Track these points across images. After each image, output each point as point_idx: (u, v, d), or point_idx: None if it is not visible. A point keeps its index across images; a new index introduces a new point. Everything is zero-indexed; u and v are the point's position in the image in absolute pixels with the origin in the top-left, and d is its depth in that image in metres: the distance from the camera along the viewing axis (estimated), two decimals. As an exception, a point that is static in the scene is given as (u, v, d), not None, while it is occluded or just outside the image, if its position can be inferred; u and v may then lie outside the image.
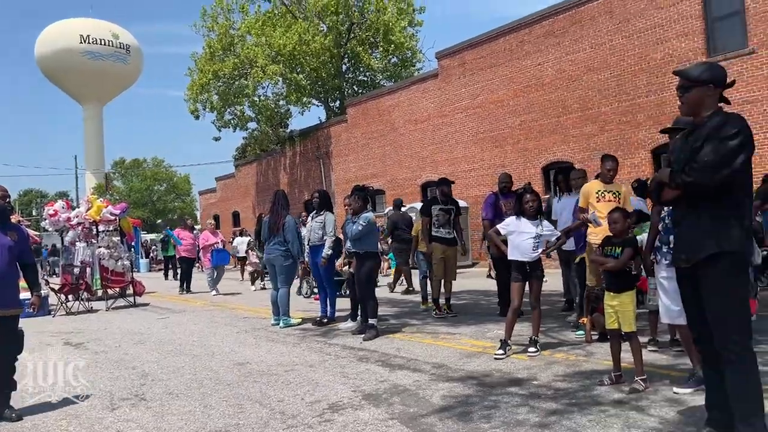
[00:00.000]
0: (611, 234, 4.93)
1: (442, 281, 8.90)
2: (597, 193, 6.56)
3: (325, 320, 8.71)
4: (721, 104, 3.35)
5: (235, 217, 34.69)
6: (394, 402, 4.57)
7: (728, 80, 3.38)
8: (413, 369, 5.62)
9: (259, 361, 6.37)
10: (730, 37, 14.00)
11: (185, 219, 17.81)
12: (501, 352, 5.85)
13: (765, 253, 9.09)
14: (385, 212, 21.36)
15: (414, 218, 13.12)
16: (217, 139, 38.32)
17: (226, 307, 11.73)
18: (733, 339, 3.16)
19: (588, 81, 16.69)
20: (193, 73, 31.25)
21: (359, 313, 8.01)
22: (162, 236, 28.11)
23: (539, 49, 17.93)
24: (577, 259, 7.22)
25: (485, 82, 19.62)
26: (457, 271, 9.52)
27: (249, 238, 19.22)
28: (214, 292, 14.40)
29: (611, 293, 4.75)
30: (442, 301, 8.91)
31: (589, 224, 6.54)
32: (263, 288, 14.98)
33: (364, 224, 7.40)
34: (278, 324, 8.68)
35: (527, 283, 6.04)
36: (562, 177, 8.54)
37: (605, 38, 16.24)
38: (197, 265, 19.12)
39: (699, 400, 4.04)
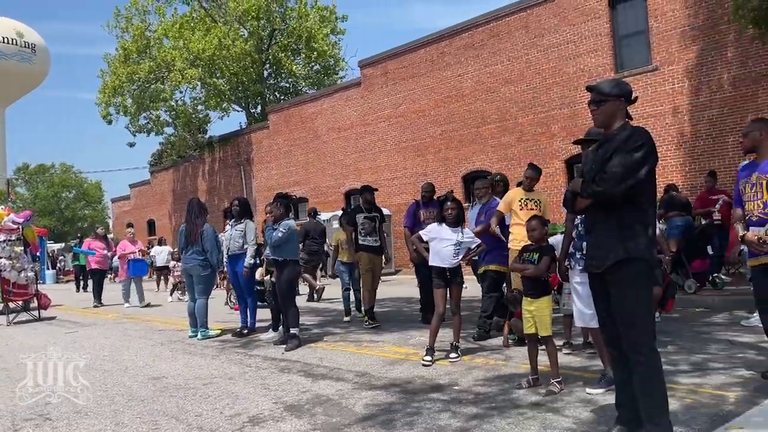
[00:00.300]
0: (529, 241, 5.10)
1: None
2: (520, 201, 6.77)
3: (246, 331, 8.51)
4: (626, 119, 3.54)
5: (151, 225, 33.47)
6: (316, 412, 4.51)
7: (633, 97, 3.58)
8: (336, 378, 5.57)
9: (176, 374, 6.13)
10: (635, 54, 14.85)
11: (95, 228, 16.85)
12: (429, 358, 5.89)
13: (668, 258, 9.63)
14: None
15: (335, 227, 13.07)
16: (131, 144, 36.91)
17: (139, 320, 11.25)
18: (639, 341, 3.31)
19: (506, 93, 17.24)
20: (105, 74, 30.03)
21: (281, 323, 7.88)
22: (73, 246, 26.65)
23: (459, 60, 18.37)
24: (481, 270, 7.29)
25: (407, 92, 19.89)
26: (381, 278, 9.54)
27: (168, 247, 18.57)
28: (127, 305, 13.76)
29: (529, 299, 4.90)
30: (363, 308, 8.87)
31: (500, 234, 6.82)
32: (179, 300, 14.46)
33: (284, 231, 7.29)
34: (196, 336, 8.40)
35: (448, 289, 6.12)
36: (473, 187, 8.71)
37: (521, 52, 16.84)
38: (109, 276, 18.22)
39: (610, 399, 4.21)
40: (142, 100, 29.12)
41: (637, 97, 3.65)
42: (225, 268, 8.88)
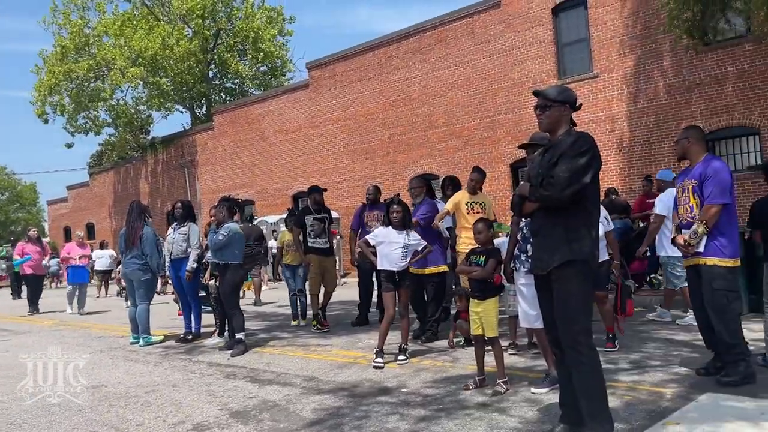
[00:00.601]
0: (476, 244, 5.17)
1: (322, 292, 8.65)
2: (467, 204, 6.86)
3: (190, 336, 8.31)
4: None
5: (90, 229, 32.32)
6: (263, 418, 4.44)
7: (577, 103, 3.67)
8: (283, 383, 5.51)
9: (116, 383, 5.93)
10: (577, 61, 15.28)
11: (28, 230, 15.80)
12: (380, 361, 5.87)
13: (617, 262, 9.91)
14: (255, 224, 20.91)
15: (283, 229, 12.86)
16: (69, 145, 35.71)
17: (77, 327, 10.84)
18: (579, 340, 3.39)
19: (452, 97, 17.46)
20: (41, 71, 28.88)
21: (227, 328, 7.74)
22: (3, 252, 25.43)
23: (407, 64, 18.49)
24: (414, 270, 7.24)
25: (356, 95, 19.89)
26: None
27: (110, 251, 17.96)
28: (69, 310, 13.12)
29: (476, 300, 4.96)
30: (310, 312, 8.77)
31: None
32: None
33: (225, 234, 7.17)
34: (138, 342, 8.15)
35: (396, 292, 6.13)
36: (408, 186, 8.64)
37: (468, 57, 17.09)
38: (46, 281, 17.48)
39: (554, 398, 4.30)
40: (81, 99, 28.14)
41: (581, 105, 3.74)
42: (167, 273, 8.64)
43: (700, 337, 5.25)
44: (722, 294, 4.71)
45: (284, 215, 19.35)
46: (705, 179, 4.74)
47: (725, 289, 4.70)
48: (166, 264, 8.47)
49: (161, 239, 8.71)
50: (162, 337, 8.41)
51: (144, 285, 8.18)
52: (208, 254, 7.60)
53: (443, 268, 7.16)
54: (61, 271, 19.47)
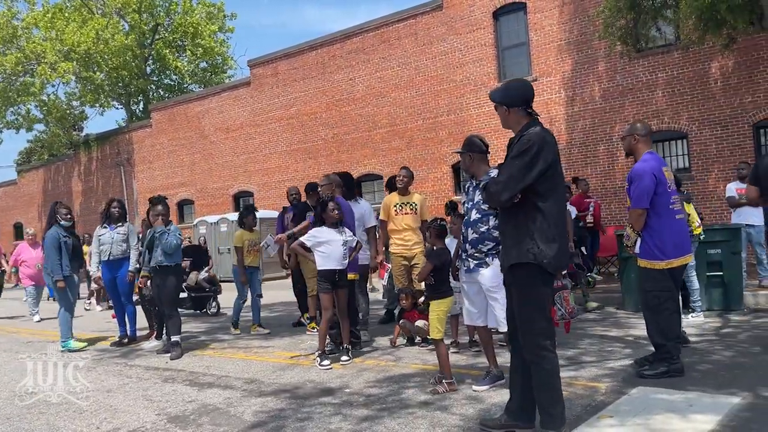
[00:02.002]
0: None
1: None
2: (395, 206, 6.88)
3: (126, 340, 8.05)
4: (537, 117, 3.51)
5: (18, 229, 30.89)
6: (203, 422, 4.34)
7: (527, 98, 3.52)
8: (224, 386, 5.40)
9: (47, 389, 5.67)
10: (517, 65, 15.61)
11: None
12: (327, 363, 5.82)
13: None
14: (194, 223, 20.45)
15: (224, 230, 12.59)
16: (-3, 141, 34.04)
17: (4, 331, 10.33)
18: (537, 342, 3.40)
19: (396, 98, 17.54)
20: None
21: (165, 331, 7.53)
22: None
23: (350, 64, 18.47)
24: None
25: (299, 94, 19.72)
26: (267, 282, 9.27)
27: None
28: (37, 318, 11.92)
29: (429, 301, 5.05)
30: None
31: None
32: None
33: (179, 236, 7.03)
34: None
35: (335, 292, 6.05)
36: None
37: (411, 58, 17.21)
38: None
39: (495, 395, 4.41)
40: (9, 94, 26.86)
41: (527, 99, 3.52)
42: (98, 274, 8.24)
43: (632, 333, 5.45)
44: (653, 295, 4.89)
45: (225, 215, 18.97)
46: (630, 182, 4.90)
47: (656, 290, 4.88)
48: (96, 265, 8.12)
49: (66, 239, 7.98)
50: (84, 344, 7.98)
51: (53, 289, 7.82)
52: (160, 257, 7.19)
53: (355, 276, 6.82)
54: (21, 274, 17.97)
